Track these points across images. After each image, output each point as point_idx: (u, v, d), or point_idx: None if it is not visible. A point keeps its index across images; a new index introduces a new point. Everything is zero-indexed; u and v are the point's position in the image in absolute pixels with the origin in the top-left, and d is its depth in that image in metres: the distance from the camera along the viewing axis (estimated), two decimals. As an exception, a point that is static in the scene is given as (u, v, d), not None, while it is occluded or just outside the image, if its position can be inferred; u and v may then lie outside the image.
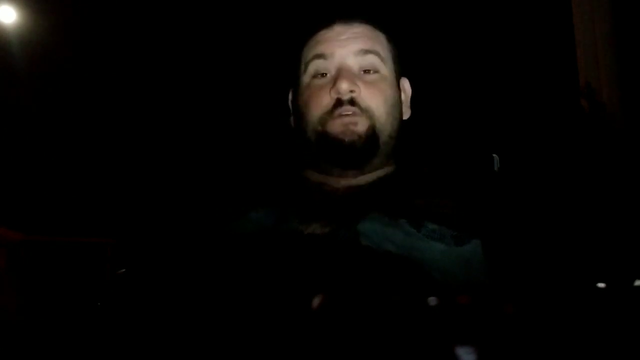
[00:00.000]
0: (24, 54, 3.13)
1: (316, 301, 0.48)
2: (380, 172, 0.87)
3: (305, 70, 0.88)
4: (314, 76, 0.87)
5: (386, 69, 0.88)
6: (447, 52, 2.35)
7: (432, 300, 0.46)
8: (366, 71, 0.86)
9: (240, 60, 2.85)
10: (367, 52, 0.86)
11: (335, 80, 0.83)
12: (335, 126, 0.83)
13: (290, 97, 0.95)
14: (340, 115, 0.83)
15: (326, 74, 0.86)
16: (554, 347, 0.47)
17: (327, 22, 0.89)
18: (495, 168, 1.01)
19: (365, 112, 0.84)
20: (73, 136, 3.16)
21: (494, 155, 1.01)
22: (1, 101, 3.08)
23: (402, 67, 0.94)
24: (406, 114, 0.94)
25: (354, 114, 0.83)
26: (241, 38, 2.86)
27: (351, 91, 0.82)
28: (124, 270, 0.84)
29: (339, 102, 0.83)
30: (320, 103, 0.84)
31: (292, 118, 0.94)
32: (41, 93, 3.14)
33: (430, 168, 0.87)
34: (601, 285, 0.57)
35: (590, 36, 2.21)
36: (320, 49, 0.86)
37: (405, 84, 0.96)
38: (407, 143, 0.92)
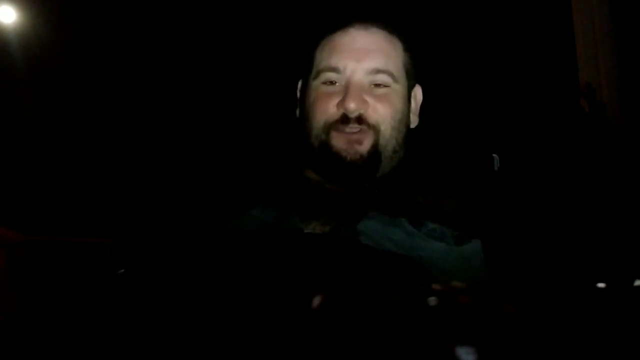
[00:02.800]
0: (24, 54, 3.13)
1: (316, 300, 0.48)
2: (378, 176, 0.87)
3: (315, 77, 0.87)
4: (324, 82, 0.86)
5: (397, 85, 0.87)
6: (447, 52, 2.35)
7: (432, 301, 0.46)
8: (377, 85, 0.85)
9: (243, 57, 2.85)
10: (378, 71, 0.85)
11: (344, 95, 0.83)
12: (340, 141, 0.83)
13: (299, 87, 0.95)
14: (346, 132, 0.83)
15: (336, 82, 0.85)
16: (554, 347, 0.47)
17: (344, 23, 0.88)
18: (495, 168, 1.00)
19: (372, 127, 0.83)
20: (73, 136, 3.16)
21: (494, 155, 1.01)
22: (1, 101, 3.08)
23: (417, 75, 0.93)
24: (414, 123, 0.93)
25: (360, 132, 0.83)
26: (245, 35, 2.86)
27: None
28: (123, 270, 0.84)
29: (345, 118, 0.83)
30: (326, 111, 0.84)
31: (298, 110, 0.94)
32: (41, 93, 3.14)
33: (430, 168, 0.87)
34: (601, 285, 0.57)
35: (590, 36, 2.21)
36: (334, 62, 0.85)
37: (418, 91, 0.95)
38: (412, 149, 0.91)
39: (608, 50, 2.18)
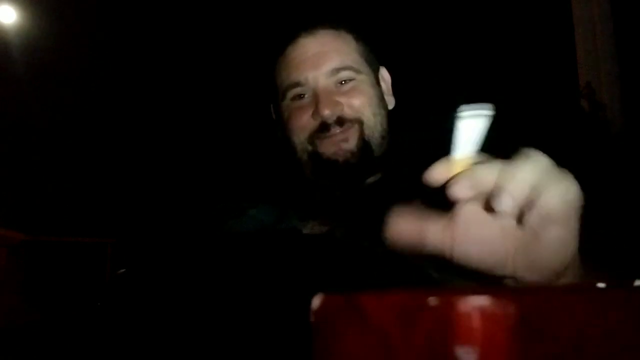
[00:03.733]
0: (24, 54, 3.13)
1: (315, 301, 0.48)
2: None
3: (283, 97, 0.87)
4: (292, 99, 0.86)
5: (362, 75, 0.87)
6: (448, 52, 2.35)
7: (433, 301, 0.46)
8: (342, 83, 0.85)
9: (242, 59, 2.85)
10: (339, 70, 0.85)
11: (315, 104, 0.83)
12: (327, 146, 0.83)
13: (272, 110, 0.95)
14: (330, 136, 0.83)
15: (304, 95, 0.85)
16: (554, 347, 0.47)
17: (291, 36, 0.88)
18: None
19: (355, 122, 0.83)
20: (73, 136, 3.16)
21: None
22: (1, 101, 3.08)
23: (378, 58, 0.93)
24: (390, 104, 0.93)
25: (344, 131, 0.83)
26: (247, 36, 2.86)
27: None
28: (124, 270, 0.84)
29: (324, 126, 0.83)
30: (303, 124, 0.84)
31: (278, 132, 0.94)
32: (41, 93, 3.14)
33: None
34: (601, 285, 0.57)
35: (590, 36, 2.21)
36: (294, 76, 0.85)
37: (384, 73, 0.95)
38: (396, 130, 0.91)
39: (608, 50, 2.19)
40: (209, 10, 2.97)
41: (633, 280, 0.46)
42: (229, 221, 0.80)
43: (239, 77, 2.83)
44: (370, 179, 0.85)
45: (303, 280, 0.64)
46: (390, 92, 0.94)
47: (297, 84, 0.85)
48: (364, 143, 0.84)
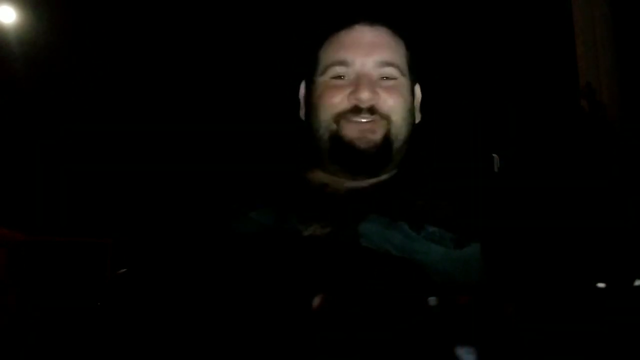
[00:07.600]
0: (24, 54, 3.13)
1: (316, 301, 0.48)
2: (383, 175, 0.87)
3: (323, 72, 0.88)
4: (332, 77, 0.87)
5: (404, 78, 0.88)
6: (447, 52, 2.35)
7: (432, 300, 0.46)
8: (385, 78, 0.86)
9: (245, 58, 2.85)
10: (387, 64, 0.86)
11: (355, 86, 0.83)
12: (351, 130, 0.83)
13: (301, 90, 0.95)
14: (358, 122, 0.83)
15: (344, 76, 0.86)
16: (554, 347, 0.47)
17: (349, 21, 0.88)
18: (495, 168, 1.01)
19: (385, 117, 0.84)
20: (73, 136, 3.16)
21: (494, 155, 1.01)
22: (1, 101, 3.09)
23: (417, 74, 0.94)
24: (417, 118, 0.94)
25: (372, 122, 0.83)
26: (249, 36, 2.86)
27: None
28: (124, 270, 0.84)
29: (356, 109, 0.83)
30: (335, 102, 0.84)
31: (302, 111, 0.94)
32: (41, 93, 3.14)
33: (430, 169, 0.87)
34: (601, 285, 0.57)
35: (590, 36, 2.21)
36: (342, 55, 0.86)
37: (417, 90, 0.96)
38: (414, 146, 0.92)
39: (608, 50, 2.19)
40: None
41: (633, 280, 0.47)
42: (230, 224, 0.80)
43: (244, 80, 2.83)
44: (373, 181, 0.85)
45: (304, 283, 0.64)
46: (419, 108, 0.95)
47: (343, 63, 0.86)
48: (388, 140, 0.84)
